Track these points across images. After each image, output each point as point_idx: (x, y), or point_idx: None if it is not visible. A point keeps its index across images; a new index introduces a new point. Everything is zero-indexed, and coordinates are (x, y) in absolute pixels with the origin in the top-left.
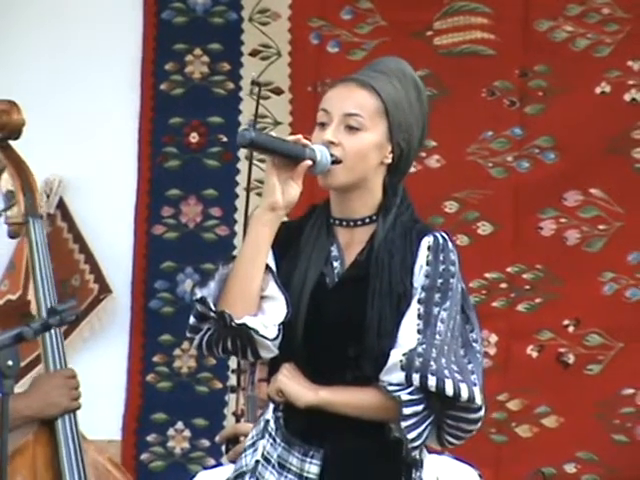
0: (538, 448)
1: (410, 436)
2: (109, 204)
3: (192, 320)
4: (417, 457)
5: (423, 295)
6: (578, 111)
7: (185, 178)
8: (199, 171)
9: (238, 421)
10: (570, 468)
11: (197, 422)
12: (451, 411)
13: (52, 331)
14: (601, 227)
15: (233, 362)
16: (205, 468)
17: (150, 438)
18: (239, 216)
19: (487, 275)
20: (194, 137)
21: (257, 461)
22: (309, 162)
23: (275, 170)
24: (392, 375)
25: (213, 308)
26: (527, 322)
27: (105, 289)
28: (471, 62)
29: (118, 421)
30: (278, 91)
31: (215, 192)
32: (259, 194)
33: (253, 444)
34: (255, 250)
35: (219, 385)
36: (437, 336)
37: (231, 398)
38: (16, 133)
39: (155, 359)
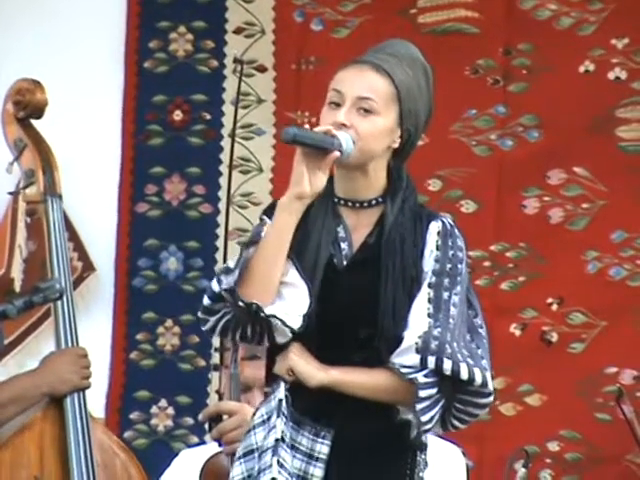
0: (521, 426)
1: (424, 419)
2: (93, 182)
3: (206, 301)
4: (424, 440)
5: (433, 279)
6: (562, 90)
7: (169, 156)
8: (183, 149)
9: (221, 399)
10: (553, 446)
11: (180, 400)
12: (461, 395)
13: (64, 306)
14: (585, 206)
15: (216, 340)
16: (189, 446)
17: (133, 416)
18: (222, 194)
19: (470, 253)
20: (178, 115)
21: (277, 440)
22: (338, 153)
23: (304, 160)
24: (405, 357)
25: (245, 300)
26: (510, 300)
27: (89, 267)
28: (455, 40)
29: (101, 399)
30: (262, 69)
31: (199, 170)
32: (242, 172)
33: (263, 422)
34: (280, 238)
35: (202, 363)
36: (451, 320)
37: (214, 376)
38: (38, 112)
39: (138, 337)
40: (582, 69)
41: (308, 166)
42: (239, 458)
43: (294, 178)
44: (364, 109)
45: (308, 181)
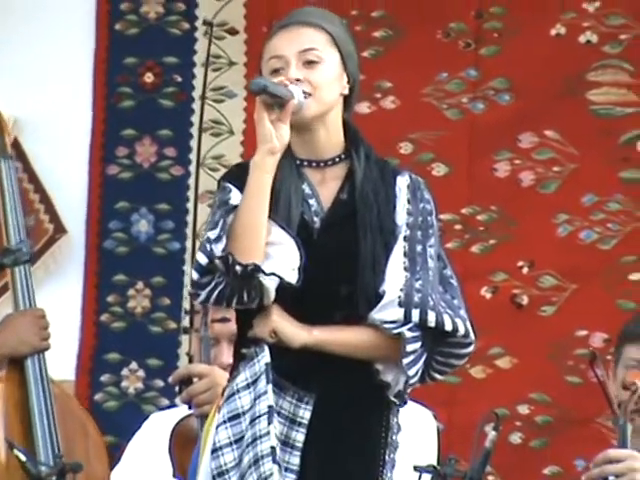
0: (491, 389)
1: (410, 373)
2: (64, 144)
3: (195, 276)
4: (404, 399)
5: (408, 233)
6: (533, 53)
7: (140, 118)
8: (154, 111)
9: (191, 362)
10: (523, 409)
11: (151, 362)
12: (442, 347)
13: (22, 270)
14: (555, 169)
15: (186, 303)
16: (159, 408)
17: (104, 378)
18: (193, 156)
19: (441, 216)
20: (149, 77)
21: (270, 406)
22: (296, 101)
23: (267, 114)
24: (387, 312)
25: (243, 262)
26: (481, 263)
27: (60, 229)
28: (426, 3)
29: (72, 361)
30: (233, 31)
31: (170, 132)
32: (213, 134)
33: (247, 386)
34: (260, 197)
35: (173, 325)
36: (430, 272)
37: (185, 339)
38: None
39: (109, 299)
40: (553, 32)
41: (271, 120)
42: (224, 422)
43: (261, 135)
44: (309, 61)
45: (275, 135)
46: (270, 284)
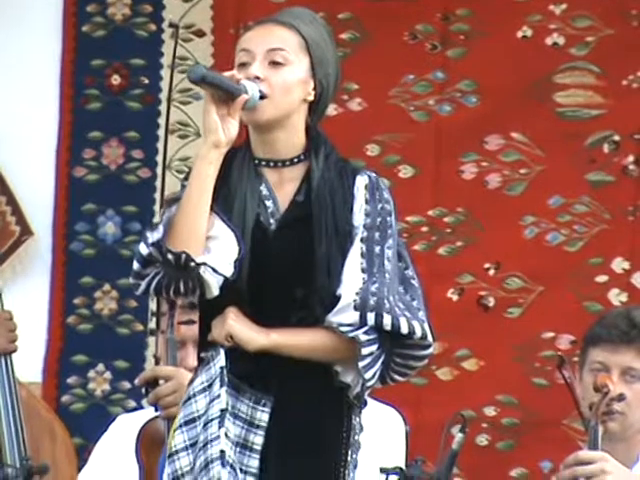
0: (458, 391)
1: (367, 376)
2: (30, 146)
3: (136, 266)
4: (362, 400)
5: (365, 234)
6: (500, 55)
7: (107, 120)
8: (121, 113)
9: (158, 364)
10: (490, 411)
11: (118, 364)
12: (400, 349)
13: None
14: (522, 171)
15: (153, 305)
16: (126, 410)
17: (71, 380)
18: (161, 158)
19: (408, 218)
20: (116, 79)
21: (222, 410)
22: (246, 96)
23: (214, 107)
24: (343, 315)
25: (173, 250)
26: (448, 265)
27: (27, 231)
28: (393, 6)
29: (39, 363)
30: (200, 33)
31: (137, 134)
32: (180, 136)
33: (204, 389)
34: (202, 188)
35: (140, 327)
36: (387, 275)
37: (151, 341)
38: None
39: (76, 301)
40: (520, 34)
41: (219, 113)
42: (180, 427)
43: (207, 127)
44: (275, 62)
45: (222, 129)
46: (210, 277)
